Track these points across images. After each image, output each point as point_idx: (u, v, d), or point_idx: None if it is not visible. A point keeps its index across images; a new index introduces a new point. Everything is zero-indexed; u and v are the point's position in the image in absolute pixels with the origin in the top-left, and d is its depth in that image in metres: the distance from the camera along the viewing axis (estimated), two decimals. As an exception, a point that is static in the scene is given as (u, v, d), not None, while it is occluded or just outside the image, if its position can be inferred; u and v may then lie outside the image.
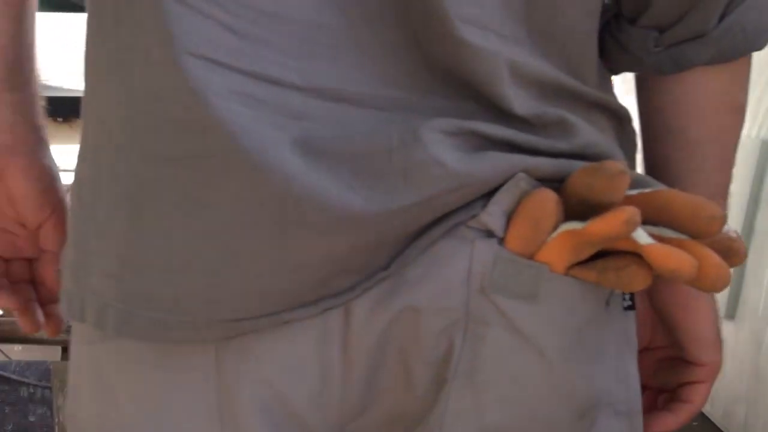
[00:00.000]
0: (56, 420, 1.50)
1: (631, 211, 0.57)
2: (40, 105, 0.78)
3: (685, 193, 0.60)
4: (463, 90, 0.61)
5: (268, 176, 0.56)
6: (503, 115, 0.61)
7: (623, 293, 0.67)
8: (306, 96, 0.59)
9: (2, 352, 2.07)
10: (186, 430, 0.65)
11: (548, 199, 0.60)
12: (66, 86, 2.78)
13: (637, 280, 0.60)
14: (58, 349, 1.67)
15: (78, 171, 0.65)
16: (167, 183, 0.59)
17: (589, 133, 0.63)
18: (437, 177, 0.57)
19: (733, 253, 0.60)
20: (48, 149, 0.78)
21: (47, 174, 0.77)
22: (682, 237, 0.59)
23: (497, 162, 0.59)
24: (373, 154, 0.58)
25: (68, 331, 1.73)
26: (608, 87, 0.71)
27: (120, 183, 0.61)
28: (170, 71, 0.57)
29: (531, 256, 0.61)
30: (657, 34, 0.67)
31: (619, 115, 0.69)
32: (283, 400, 0.64)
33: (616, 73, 0.72)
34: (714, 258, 0.59)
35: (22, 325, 0.80)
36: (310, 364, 0.63)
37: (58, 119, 2.71)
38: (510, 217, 0.61)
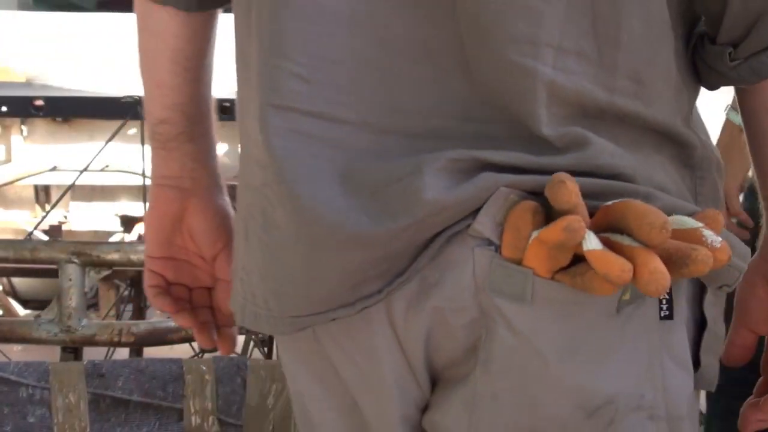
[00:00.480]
0: (55, 421, 1.49)
1: (569, 220, 0.62)
2: (216, 153, 0.93)
3: (640, 203, 0.64)
4: (500, 113, 0.68)
5: (303, 203, 0.68)
6: (528, 136, 0.68)
7: (660, 302, 0.70)
8: (356, 130, 0.69)
9: (1, 352, 2.07)
10: (316, 392, 0.79)
11: (526, 208, 0.66)
12: (66, 86, 2.78)
13: (596, 285, 0.64)
14: (57, 349, 1.66)
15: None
16: (255, 207, 0.74)
17: (615, 156, 0.69)
18: (424, 203, 0.66)
19: (690, 261, 0.63)
20: (223, 191, 0.94)
21: (221, 212, 0.93)
22: (635, 245, 0.63)
23: (485, 182, 0.67)
24: (390, 182, 0.68)
25: (66, 331, 1.71)
26: (681, 105, 0.74)
27: (241, 205, 0.78)
28: (256, 119, 0.71)
29: (520, 262, 0.67)
30: (732, 49, 0.72)
31: (680, 141, 0.74)
32: (369, 377, 0.75)
33: (712, 89, 0.78)
34: (652, 264, 0.62)
35: (199, 341, 0.96)
36: (378, 354, 0.73)
37: (58, 119, 2.71)
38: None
